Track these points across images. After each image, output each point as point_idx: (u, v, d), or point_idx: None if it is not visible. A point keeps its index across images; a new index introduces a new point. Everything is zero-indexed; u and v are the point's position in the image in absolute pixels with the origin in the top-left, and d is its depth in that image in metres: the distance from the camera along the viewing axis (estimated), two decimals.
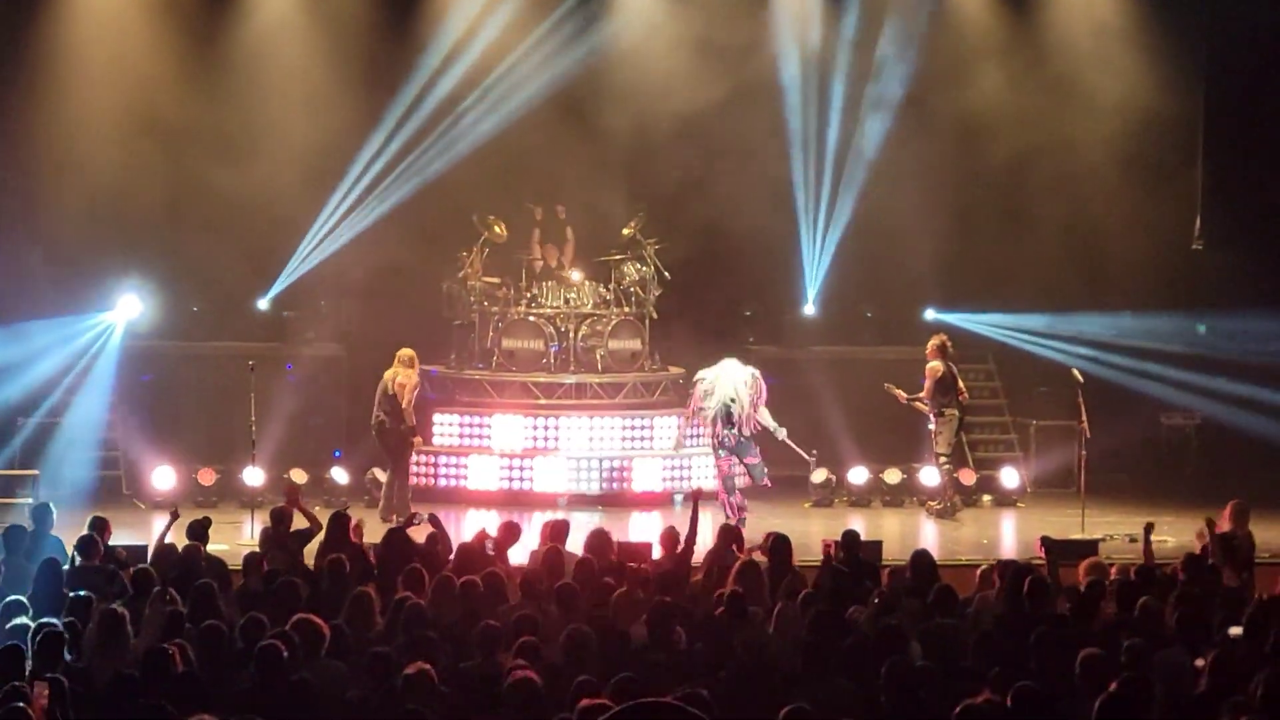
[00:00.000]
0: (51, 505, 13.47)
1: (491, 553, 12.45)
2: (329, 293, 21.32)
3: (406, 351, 18.28)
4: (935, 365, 18.94)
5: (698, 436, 18.69)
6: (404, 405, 18.00)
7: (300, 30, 20.95)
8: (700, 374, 17.72)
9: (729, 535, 12.77)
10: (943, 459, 18.98)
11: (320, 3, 21.04)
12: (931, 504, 19.09)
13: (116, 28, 20.44)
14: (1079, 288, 21.86)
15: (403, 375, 18.10)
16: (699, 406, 17.52)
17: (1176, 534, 16.01)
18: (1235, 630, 9.73)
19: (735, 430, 17.31)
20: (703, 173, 21.19)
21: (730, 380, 17.40)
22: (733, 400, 17.28)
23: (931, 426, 18.97)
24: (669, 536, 12.82)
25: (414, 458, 18.76)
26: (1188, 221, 22.25)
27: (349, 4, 20.94)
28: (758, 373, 17.64)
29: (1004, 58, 21.75)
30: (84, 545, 12.18)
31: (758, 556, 12.20)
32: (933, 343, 19.16)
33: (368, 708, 8.65)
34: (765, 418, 17.55)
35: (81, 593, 10.54)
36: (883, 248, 21.43)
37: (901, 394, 18.99)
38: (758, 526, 15.03)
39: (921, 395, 18.95)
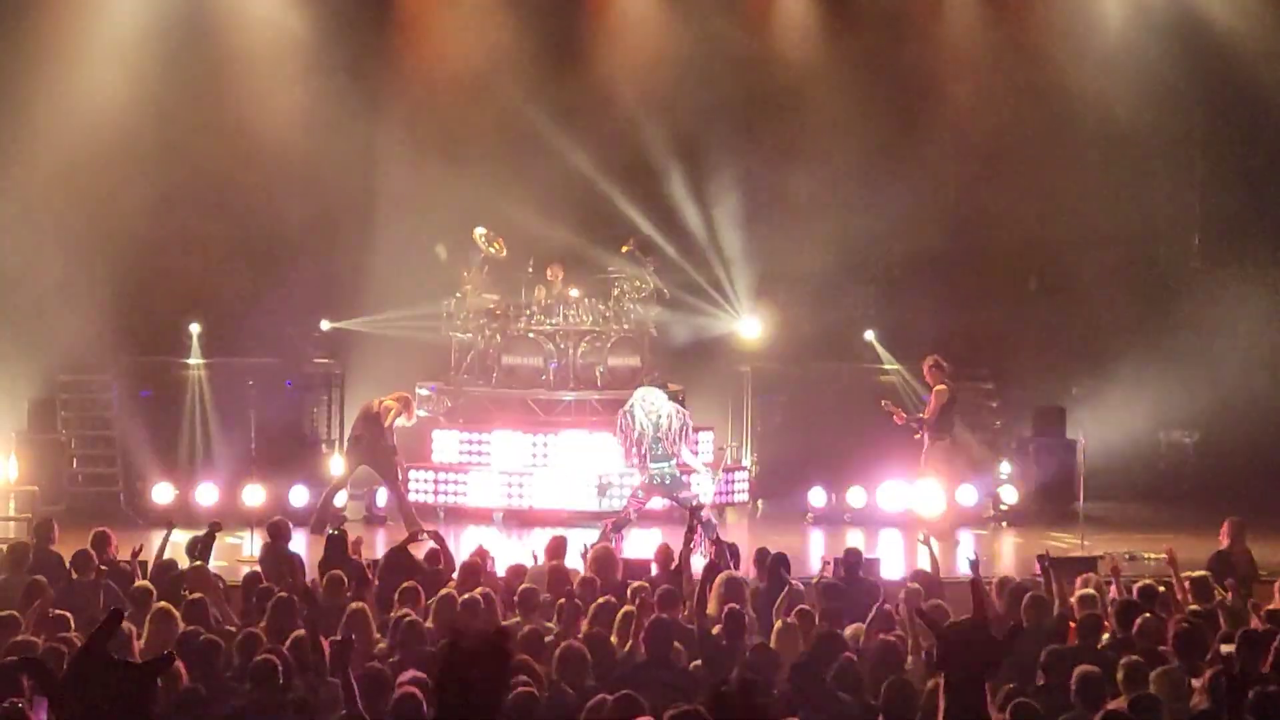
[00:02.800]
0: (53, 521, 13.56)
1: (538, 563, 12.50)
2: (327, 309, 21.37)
3: (402, 394, 18.21)
4: (942, 389, 18.68)
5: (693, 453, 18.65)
6: (386, 424, 17.77)
7: (290, 39, 21.11)
8: (627, 406, 16.41)
9: (725, 553, 12.78)
10: (939, 476, 18.90)
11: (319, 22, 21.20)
12: (929, 522, 19.02)
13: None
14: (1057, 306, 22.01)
15: (389, 400, 17.96)
16: (635, 437, 16.12)
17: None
18: (1227, 648, 9.71)
19: (668, 465, 16.11)
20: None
21: (650, 410, 16.15)
22: (655, 427, 16.04)
23: (928, 445, 18.88)
24: (664, 553, 12.83)
25: (412, 474, 18.76)
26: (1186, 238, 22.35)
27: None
28: (678, 410, 16.40)
29: (994, 68, 21.89)
30: (79, 560, 12.20)
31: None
32: (928, 363, 19.04)
33: None
34: (686, 456, 16.48)
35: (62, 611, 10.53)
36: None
37: (901, 413, 18.84)
38: (758, 544, 15.03)
39: (925, 417, 18.79)
